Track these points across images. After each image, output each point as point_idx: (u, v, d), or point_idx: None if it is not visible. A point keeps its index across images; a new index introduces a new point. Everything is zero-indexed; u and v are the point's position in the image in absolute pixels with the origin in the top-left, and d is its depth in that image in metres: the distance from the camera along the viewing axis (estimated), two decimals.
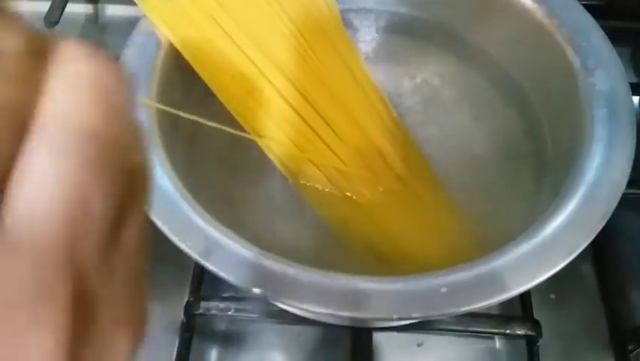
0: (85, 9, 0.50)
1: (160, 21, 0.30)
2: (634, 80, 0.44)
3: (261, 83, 0.31)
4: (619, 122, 0.26)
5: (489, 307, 0.33)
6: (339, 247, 0.29)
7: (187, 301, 0.33)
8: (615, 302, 0.34)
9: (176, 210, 0.24)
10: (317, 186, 0.31)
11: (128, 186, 0.10)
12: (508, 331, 0.32)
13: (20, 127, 0.09)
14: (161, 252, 0.36)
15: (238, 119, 0.30)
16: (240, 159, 0.32)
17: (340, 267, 0.23)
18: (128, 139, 0.10)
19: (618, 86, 0.28)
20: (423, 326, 0.32)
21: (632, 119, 0.27)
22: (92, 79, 0.10)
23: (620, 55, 0.29)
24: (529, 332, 0.31)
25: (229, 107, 0.30)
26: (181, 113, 0.29)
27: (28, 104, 0.09)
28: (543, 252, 0.23)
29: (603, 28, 0.30)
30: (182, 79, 0.31)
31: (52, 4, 0.45)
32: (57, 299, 0.09)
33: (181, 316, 0.33)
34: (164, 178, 0.25)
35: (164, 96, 0.29)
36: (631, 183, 0.25)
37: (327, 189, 0.31)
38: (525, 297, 0.33)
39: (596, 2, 0.37)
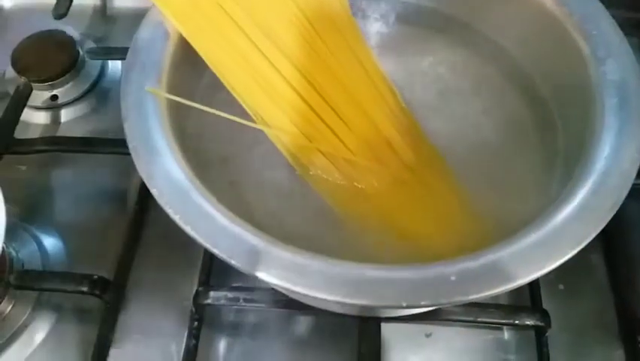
0: (93, 1, 0.50)
1: (168, 11, 0.30)
2: None
3: (269, 73, 0.31)
4: (630, 111, 0.26)
5: (497, 298, 0.34)
6: (347, 236, 0.29)
7: (196, 291, 0.33)
8: (625, 293, 0.34)
9: (187, 200, 0.24)
10: (325, 176, 0.31)
11: None
12: (516, 321, 0.32)
13: None
14: (170, 242, 0.37)
15: (247, 108, 0.30)
16: (248, 149, 0.32)
17: (348, 256, 0.23)
18: None
19: (629, 75, 0.27)
20: (431, 317, 0.32)
21: None
22: None
23: (630, 45, 0.28)
24: (538, 323, 0.31)
25: (237, 97, 0.30)
26: (190, 103, 0.29)
27: None
28: (552, 241, 0.23)
29: (614, 17, 0.29)
30: (191, 69, 0.31)
31: None
32: None
33: (190, 306, 0.33)
34: (174, 167, 0.25)
35: (173, 86, 0.29)
36: None
37: (335, 180, 0.31)
38: (534, 287, 0.33)
39: None
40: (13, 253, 0.36)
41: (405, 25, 0.37)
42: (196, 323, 0.33)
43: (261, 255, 0.23)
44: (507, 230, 0.24)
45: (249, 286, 0.33)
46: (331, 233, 0.30)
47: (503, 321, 0.32)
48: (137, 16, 0.30)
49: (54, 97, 0.45)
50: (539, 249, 0.23)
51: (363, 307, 0.27)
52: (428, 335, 0.33)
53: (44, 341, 0.34)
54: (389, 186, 0.31)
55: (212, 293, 0.33)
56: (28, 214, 0.39)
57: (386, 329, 0.33)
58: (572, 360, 0.33)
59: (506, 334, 0.33)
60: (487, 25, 0.34)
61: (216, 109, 0.29)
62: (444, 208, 0.31)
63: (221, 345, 0.34)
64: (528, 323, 0.31)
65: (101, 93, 0.45)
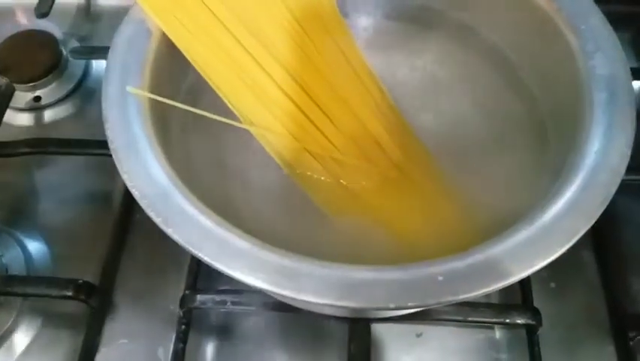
0: None
1: (151, 9, 0.29)
2: (635, 64, 0.43)
3: (255, 72, 0.30)
4: (619, 106, 0.26)
5: (488, 297, 0.33)
6: (334, 235, 0.29)
7: (183, 295, 0.33)
8: (615, 290, 0.34)
9: (170, 202, 0.24)
10: (313, 174, 0.31)
11: None
12: (508, 320, 0.31)
13: None
14: (156, 245, 0.37)
15: (232, 108, 0.30)
16: (234, 149, 0.31)
17: (336, 257, 0.23)
18: None
19: (618, 69, 0.27)
20: (422, 317, 0.32)
21: (631, 102, 0.26)
22: None
23: (620, 40, 0.28)
24: (529, 321, 0.31)
25: (223, 97, 0.30)
26: (174, 103, 0.28)
27: None
28: (542, 238, 0.23)
29: (603, 12, 0.29)
30: (175, 68, 0.30)
31: None
32: None
33: (177, 309, 0.33)
34: (157, 169, 0.25)
35: (156, 86, 0.28)
36: (631, 170, 0.25)
37: (323, 178, 0.31)
38: (525, 286, 0.33)
39: None
40: None
41: (393, 22, 0.36)
42: (183, 327, 0.33)
43: (247, 258, 0.22)
44: (496, 227, 0.24)
45: (236, 288, 0.32)
46: (319, 233, 0.29)
47: (494, 320, 0.32)
48: (122, 15, 0.30)
49: (37, 98, 0.44)
50: (529, 246, 0.22)
51: (352, 309, 0.27)
52: (419, 335, 0.33)
53: (29, 347, 0.34)
54: (377, 185, 0.31)
55: (199, 297, 0.32)
56: (12, 218, 0.38)
57: (376, 329, 0.33)
58: (564, 358, 0.32)
59: (497, 333, 0.33)
60: (476, 20, 0.34)
61: (201, 109, 0.29)
62: (432, 206, 0.30)
63: (209, 349, 0.33)
64: (519, 321, 0.31)
65: (85, 94, 0.45)
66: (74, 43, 0.46)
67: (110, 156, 0.25)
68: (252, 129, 0.30)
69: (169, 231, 0.23)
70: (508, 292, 0.33)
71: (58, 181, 0.40)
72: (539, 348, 0.31)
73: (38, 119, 0.43)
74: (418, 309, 0.31)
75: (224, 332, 0.34)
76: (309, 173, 0.31)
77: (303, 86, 0.31)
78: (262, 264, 0.22)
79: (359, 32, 0.36)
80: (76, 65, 0.45)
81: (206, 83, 0.29)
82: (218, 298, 0.32)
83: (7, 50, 0.44)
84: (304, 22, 0.32)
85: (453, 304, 0.31)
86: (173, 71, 0.30)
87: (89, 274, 0.34)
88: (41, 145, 0.39)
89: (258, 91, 0.30)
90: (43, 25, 0.45)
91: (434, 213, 0.30)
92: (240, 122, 0.30)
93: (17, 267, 0.36)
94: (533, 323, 0.31)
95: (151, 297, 0.35)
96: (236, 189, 0.30)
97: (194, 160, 0.30)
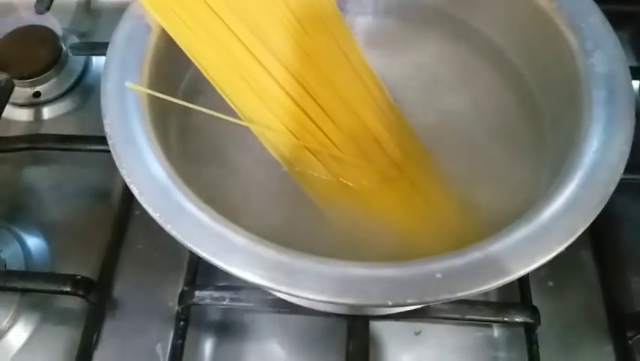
0: None
1: (151, 5, 0.29)
2: (634, 63, 0.43)
3: (255, 69, 0.30)
4: (618, 104, 0.26)
5: (487, 295, 0.33)
6: (332, 233, 0.29)
7: (181, 291, 0.33)
8: (614, 288, 0.34)
9: (168, 198, 0.24)
10: (312, 173, 0.31)
11: None
12: (506, 318, 0.31)
13: None
14: (155, 241, 0.37)
15: (232, 105, 0.30)
16: (233, 146, 0.31)
17: (334, 254, 0.23)
18: None
19: (617, 67, 0.27)
20: (420, 315, 0.32)
21: (631, 101, 0.26)
22: None
23: (619, 39, 0.28)
24: (528, 320, 0.31)
25: (223, 94, 0.30)
26: (173, 100, 0.28)
27: None
28: (540, 236, 0.22)
29: (603, 11, 0.29)
30: (174, 64, 0.30)
31: None
32: None
33: (175, 306, 0.33)
34: (155, 165, 0.25)
35: (155, 83, 0.28)
36: (630, 169, 0.25)
37: (322, 177, 0.31)
38: (523, 284, 0.33)
39: None
40: None
41: (393, 20, 0.36)
42: (182, 323, 0.33)
43: (245, 254, 0.22)
44: (495, 225, 0.24)
45: (235, 285, 0.32)
46: (317, 231, 0.29)
47: (493, 318, 0.32)
48: (122, 11, 0.30)
49: (37, 94, 0.44)
50: (528, 244, 0.22)
51: (349, 306, 0.27)
52: (417, 333, 0.33)
53: (28, 342, 0.34)
54: (376, 183, 0.31)
55: (197, 293, 0.32)
56: (11, 214, 0.38)
57: (375, 327, 0.33)
58: (562, 356, 0.32)
59: (496, 331, 0.33)
60: (476, 18, 0.34)
61: (200, 106, 0.29)
62: (431, 205, 0.30)
63: (208, 345, 0.33)
64: (518, 319, 0.31)
65: (84, 90, 0.45)
66: (74, 39, 0.46)
67: (109, 151, 0.25)
68: (251, 126, 0.30)
69: (167, 227, 0.23)
70: (507, 290, 0.33)
71: (57, 177, 0.40)
72: (538, 347, 0.31)
73: (38, 115, 0.43)
74: (417, 307, 0.31)
75: (223, 328, 0.34)
76: (308, 171, 0.31)
77: (303, 84, 0.31)
78: (260, 260, 0.22)
79: (359, 31, 0.36)
80: (76, 61, 0.45)
81: (205, 79, 0.29)
82: (216, 294, 0.32)
83: (7, 46, 0.44)
84: (304, 20, 0.32)
85: (451, 302, 0.31)
86: (173, 68, 0.30)
87: (88, 269, 0.34)
88: (41, 141, 0.39)
89: (257, 88, 0.30)
90: (43, 21, 0.45)
91: (433, 211, 0.30)
92: (240, 119, 0.30)
93: (16, 262, 0.36)
94: (532, 321, 0.31)
95: (150, 293, 0.35)
96: (234, 186, 0.30)
97: (193, 156, 0.30)
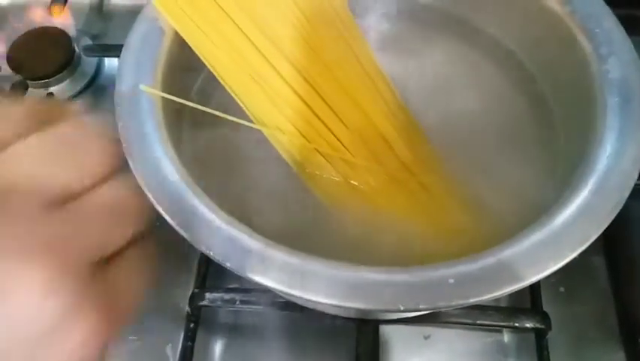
0: None
1: (164, 8, 0.29)
2: None
3: (267, 71, 0.30)
4: (632, 110, 0.26)
5: (497, 300, 0.33)
6: (343, 236, 0.29)
7: (192, 293, 0.33)
8: (626, 295, 0.34)
9: (181, 201, 0.24)
10: (322, 174, 0.31)
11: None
12: (517, 324, 0.31)
13: None
14: (166, 243, 0.37)
15: (243, 107, 0.30)
16: (244, 148, 0.31)
17: (344, 256, 0.23)
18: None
19: (631, 73, 0.27)
20: (430, 319, 0.32)
21: None
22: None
23: (634, 44, 0.28)
24: (539, 325, 0.31)
25: (234, 95, 0.30)
26: (186, 102, 0.29)
27: None
28: (553, 243, 0.22)
29: (617, 16, 0.29)
30: (187, 67, 0.30)
31: None
32: None
33: (186, 307, 0.33)
34: (169, 168, 0.25)
35: (168, 85, 0.28)
36: None
37: (332, 178, 0.31)
38: (534, 290, 0.33)
39: None
40: None
41: (404, 22, 0.36)
42: (192, 325, 0.33)
43: (257, 257, 0.22)
44: (507, 231, 0.24)
45: (245, 287, 0.32)
46: (328, 233, 0.29)
47: (503, 324, 0.31)
48: (134, 13, 0.30)
49: (49, 95, 0.44)
50: (540, 250, 0.22)
51: (360, 310, 0.27)
52: (427, 337, 0.33)
53: None
54: (385, 185, 0.31)
55: (207, 295, 0.32)
56: None
57: (384, 330, 0.32)
58: None
59: (506, 336, 0.33)
60: (487, 22, 0.34)
61: (212, 108, 0.29)
62: (442, 208, 0.30)
63: (218, 347, 0.33)
64: (528, 325, 0.31)
65: (97, 91, 0.45)
66: (87, 41, 0.47)
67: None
68: (262, 128, 0.30)
69: (181, 230, 0.23)
70: (518, 295, 0.33)
71: None
72: (548, 352, 0.31)
73: None
74: (427, 311, 0.31)
75: (233, 330, 0.34)
76: (318, 172, 0.31)
77: (314, 86, 0.31)
78: (272, 263, 0.22)
79: (370, 32, 0.36)
80: (88, 63, 0.46)
81: (217, 81, 0.30)
82: (227, 296, 0.32)
83: (20, 47, 0.44)
84: (315, 22, 0.32)
85: (462, 307, 0.31)
86: (185, 70, 0.30)
87: None
88: None
89: (268, 90, 0.30)
90: (57, 22, 0.46)
91: (442, 214, 0.30)
92: (251, 121, 0.30)
93: None
94: (542, 327, 0.31)
95: (160, 294, 0.35)
96: (245, 187, 0.30)
97: (205, 158, 0.30)
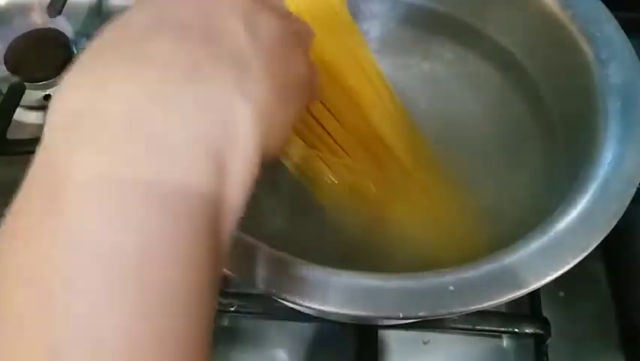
0: None
1: None
2: None
3: None
4: (633, 115, 0.26)
5: (497, 305, 0.33)
6: (342, 241, 0.29)
7: None
8: (625, 300, 0.34)
9: None
10: (323, 180, 0.30)
11: None
12: (516, 330, 0.31)
13: None
14: None
15: None
16: None
17: (343, 262, 0.22)
18: None
19: (633, 78, 0.27)
20: (430, 324, 0.32)
21: None
22: None
23: (635, 47, 0.28)
24: (538, 331, 0.31)
25: None
26: None
27: None
28: (554, 250, 0.22)
29: (618, 19, 0.29)
30: None
31: None
32: None
33: None
34: None
35: None
36: None
37: (333, 183, 0.30)
38: (534, 295, 0.33)
39: None
40: None
41: (405, 26, 0.36)
42: None
43: (256, 263, 0.22)
44: (508, 237, 0.23)
45: (244, 292, 0.32)
46: (328, 238, 0.29)
47: (503, 329, 0.31)
48: None
49: (47, 96, 0.44)
50: (541, 257, 0.22)
51: (359, 317, 0.27)
52: (426, 343, 0.33)
53: None
54: (387, 191, 0.30)
55: None
56: None
57: (383, 335, 0.32)
58: None
59: (505, 342, 0.33)
60: (489, 25, 0.34)
61: None
62: (442, 214, 0.30)
63: (216, 352, 0.33)
64: (528, 331, 0.31)
65: None
66: (85, 43, 0.46)
67: None
68: None
69: None
70: (517, 301, 0.32)
71: None
72: (547, 358, 0.31)
73: None
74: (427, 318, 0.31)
75: (231, 335, 0.33)
76: (319, 177, 0.30)
77: None
78: (270, 270, 0.22)
79: (371, 37, 0.35)
80: None
81: None
82: (225, 301, 0.32)
83: (18, 49, 0.44)
84: (316, 25, 0.32)
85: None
86: None
87: None
88: None
89: None
90: (55, 24, 0.45)
91: (444, 221, 0.30)
92: None
93: None
94: (542, 332, 0.31)
95: None
96: None
97: None
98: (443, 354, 0.33)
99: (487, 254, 0.22)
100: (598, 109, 0.26)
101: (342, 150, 0.31)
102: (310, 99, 0.22)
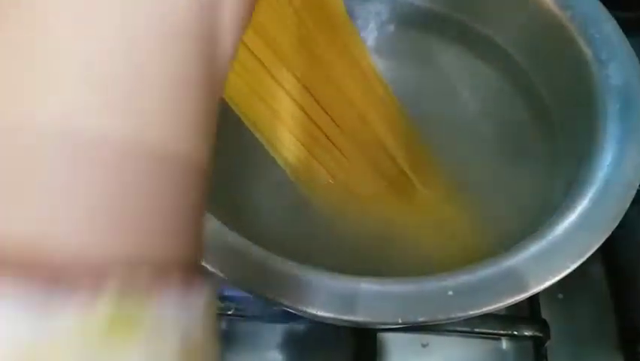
0: None
1: None
2: None
3: (264, 79, 0.30)
4: (633, 117, 0.26)
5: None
6: (340, 244, 0.28)
7: None
8: (624, 302, 0.34)
9: None
10: (320, 182, 0.30)
11: None
12: (515, 332, 0.31)
13: None
14: None
15: (240, 115, 0.29)
16: (240, 154, 0.31)
17: (341, 266, 0.22)
18: None
19: (632, 79, 0.27)
20: (428, 327, 0.32)
21: None
22: None
23: (634, 47, 0.28)
24: (537, 333, 0.31)
25: (231, 103, 0.29)
26: None
27: None
28: (553, 253, 0.22)
29: (616, 19, 0.29)
30: None
31: None
32: None
33: None
34: None
35: None
36: None
37: (330, 185, 0.30)
38: (533, 297, 0.33)
39: None
40: None
41: (404, 27, 0.36)
42: None
43: (253, 268, 0.22)
44: (507, 241, 0.23)
45: (240, 295, 0.32)
46: (325, 241, 0.29)
47: (502, 332, 0.31)
48: None
49: None
50: (540, 261, 0.22)
51: (357, 322, 0.27)
52: (425, 345, 0.33)
53: None
54: (384, 192, 0.30)
55: None
56: None
57: (382, 338, 0.32)
58: None
59: (504, 344, 0.33)
60: (488, 27, 0.34)
61: None
62: (440, 217, 0.30)
63: None
64: (527, 333, 0.31)
65: None
66: None
67: None
68: (258, 135, 0.30)
69: None
70: (516, 303, 0.33)
71: None
72: (547, 360, 0.31)
73: None
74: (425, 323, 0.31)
75: (228, 338, 0.33)
76: (316, 180, 0.30)
77: (310, 92, 0.31)
78: (268, 274, 0.22)
79: (368, 38, 0.35)
80: None
81: None
82: (222, 304, 0.31)
83: None
84: (313, 27, 0.32)
85: None
86: None
87: None
88: None
89: (265, 96, 0.30)
90: None
91: (441, 223, 0.30)
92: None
93: None
94: (541, 335, 0.31)
95: None
96: (241, 195, 0.30)
97: None
98: (442, 357, 0.32)
99: (487, 256, 0.22)
100: (597, 109, 0.26)
101: (340, 152, 0.30)
102: None
